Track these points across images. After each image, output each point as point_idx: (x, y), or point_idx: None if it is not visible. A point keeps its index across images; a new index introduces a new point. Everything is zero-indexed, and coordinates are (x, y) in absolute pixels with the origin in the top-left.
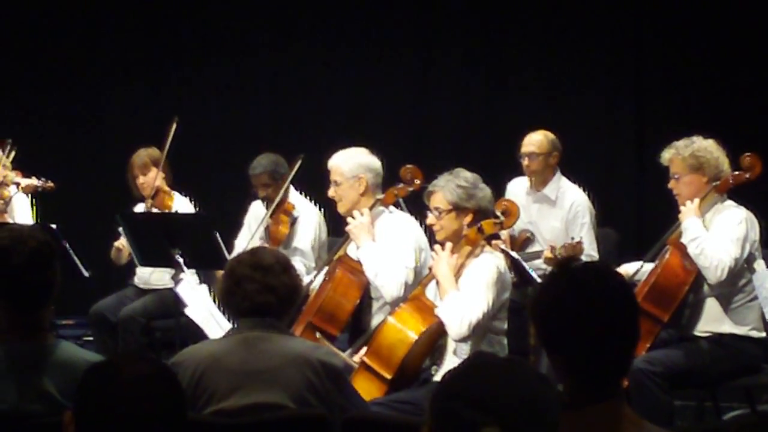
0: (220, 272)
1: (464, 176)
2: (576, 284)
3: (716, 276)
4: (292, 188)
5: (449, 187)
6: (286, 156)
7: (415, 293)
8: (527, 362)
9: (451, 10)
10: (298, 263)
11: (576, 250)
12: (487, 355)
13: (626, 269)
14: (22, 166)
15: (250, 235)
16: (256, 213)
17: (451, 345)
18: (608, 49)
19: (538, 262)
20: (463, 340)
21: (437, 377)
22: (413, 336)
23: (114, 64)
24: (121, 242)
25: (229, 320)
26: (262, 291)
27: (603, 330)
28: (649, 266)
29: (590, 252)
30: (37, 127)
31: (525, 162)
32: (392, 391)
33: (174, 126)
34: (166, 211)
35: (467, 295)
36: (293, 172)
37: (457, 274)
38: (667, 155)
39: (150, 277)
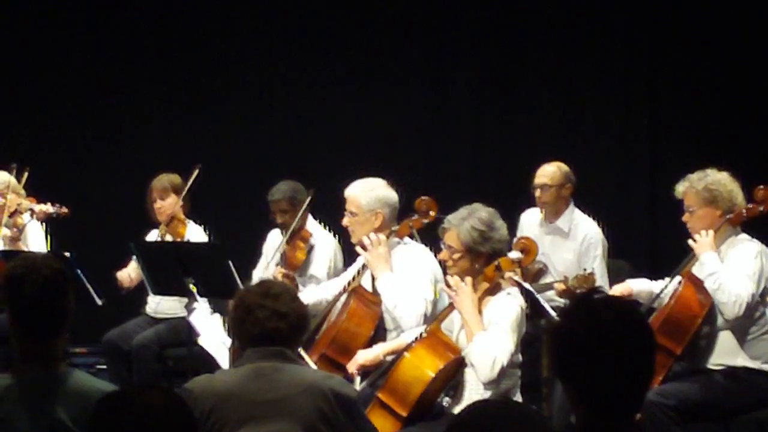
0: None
1: (479, 216)
2: (596, 317)
3: (734, 311)
4: (309, 216)
5: (464, 228)
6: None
7: (431, 329)
8: (535, 414)
9: (466, 43)
10: None
11: (588, 282)
12: (494, 403)
13: (631, 286)
14: (36, 191)
15: (267, 263)
16: (274, 241)
17: (469, 380)
18: (622, 81)
19: (551, 294)
20: (492, 382)
21: (454, 411)
22: (430, 374)
23: (131, 91)
24: (120, 275)
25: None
26: (272, 317)
27: (619, 364)
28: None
29: (602, 284)
30: (53, 153)
31: (537, 193)
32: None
33: (196, 172)
34: (179, 239)
35: (495, 336)
36: (306, 204)
37: (477, 310)
38: (681, 188)
39: (158, 306)
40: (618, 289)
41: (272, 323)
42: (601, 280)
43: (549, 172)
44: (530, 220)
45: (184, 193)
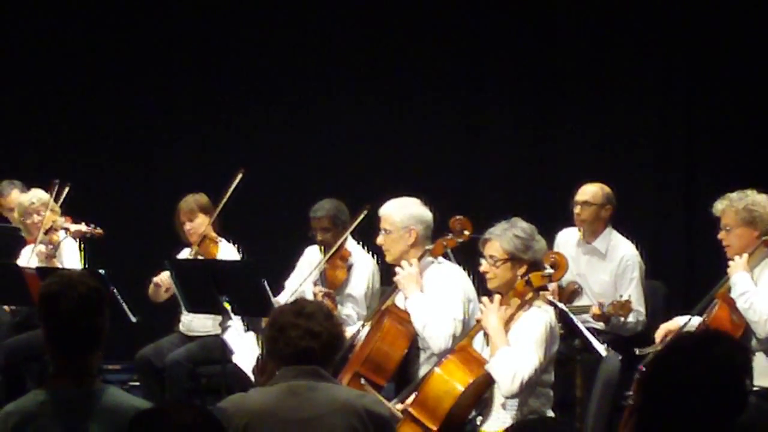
0: (266, 320)
1: (521, 226)
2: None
3: (765, 330)
4: (349, 236)
5: (507, 236)
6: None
7: (462, 344)
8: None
9: (502, 63)
10: (350, 310)
11: (624, 309)
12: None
13: (679, 324)
14: (71, 210)
15: (302, 278)
16: (311, 257)
17: (498, 397)
18: (659, 100)
19: (585, 317)
20: (513, 396)
21: (484, 428)
22: (460, 388)
23: (167, 112)
24: (160, 278)
25: None
26: (305, 336)
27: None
28: (696, 320)
29: (638, 308)
30: (89, 171)
31: (577, 210)
32: None
33: (239, 177)
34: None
35: (518, 351)
36: (356, 223)
37: (506, 326)
38: (720, 206)
39: (192, 323)
40: (666, 326)
41: (305, 342)
42: (638, 303)
43: (591, 190)
44: (567, 240)
45: (226, 197)
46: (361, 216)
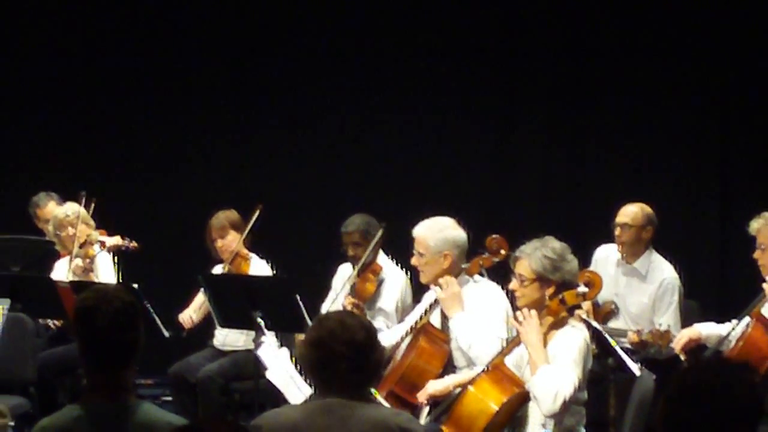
0: (300, 336)
1: (552, 246)
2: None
3: None
4: (381, 251)
5: (535, 257)
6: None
7: (495, 362)
8: None
9: (535, 82)
10: (381, 324)
11: (663, 339)
12: None
13: (699, 330)
14: (105, 223)
15: (335, 296)
16: (344, 276)
17: (534, 416)
18: (693, 118)
19: (622, 340)
20: (553, 416)
21: None
22: (494, 407)
23: (201, 123)
24: (182, 317)
25: (309, 384)
26: (353, 372)
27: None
28: (712, 326)
29: (674, 333)
30: (122, 185)
31: (617, 232)
32: None
33: (258, 212)
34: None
35: (558, 370)
36: (377, 238)
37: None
38: (755, 225)
39: (226, 338)
40: (686, 334)
41: (353, 378)
42: (674, 329)
43: (631, 212)
44: (606, 258)
45: (245, 233)
46: (381, 230)
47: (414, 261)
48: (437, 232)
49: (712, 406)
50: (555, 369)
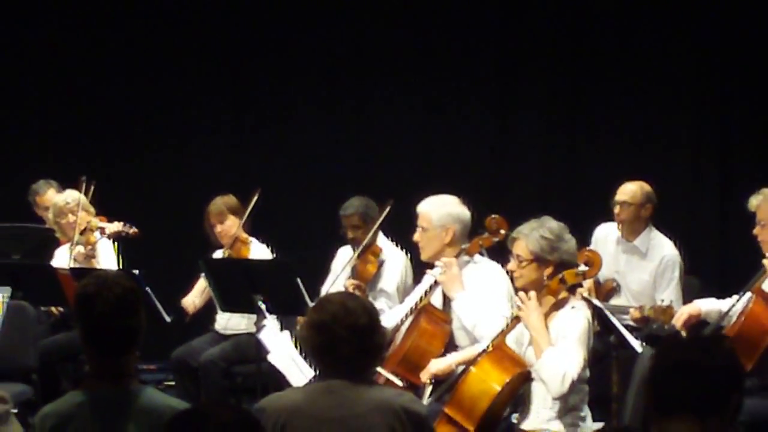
0: (302, 318)
1: (549, 226)
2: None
3: None
4: (381, 233)
5: (533, 237)
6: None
7: (496, 342)
8: None
9: (535, 62)
10: (383, 304)
11: (666, 315)
12: None
13: (699, 306)
14: (105, 209)
15: (335, 279)
16: (344, 258)
17: (538, 395)
18: (692, 95)
19: (624, 317)
20: (561, 396)
21: (523, 426)
22: (497, 387)
23: (200, 108)
24: (184, 302)
25: (311, 366)
26: (356, 355)
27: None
28: (713, 302)
29: (676, 308)
30: (121, 170)
31: (616, 210)
32: None
33: (256, 197)
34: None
35: (563, 351)
36: (382, 217)
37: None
38: (754, 201)
39: (228, 322)
40: (686, 310)
41: (356, 361)
42: (676, 304)
43: (629, 190)
44: (606, 236)
45: (245, 217)
46: (386, 210)
47: (416, 236)
48: (441, 207)
49: (698, 379)
50: (560, 351)
